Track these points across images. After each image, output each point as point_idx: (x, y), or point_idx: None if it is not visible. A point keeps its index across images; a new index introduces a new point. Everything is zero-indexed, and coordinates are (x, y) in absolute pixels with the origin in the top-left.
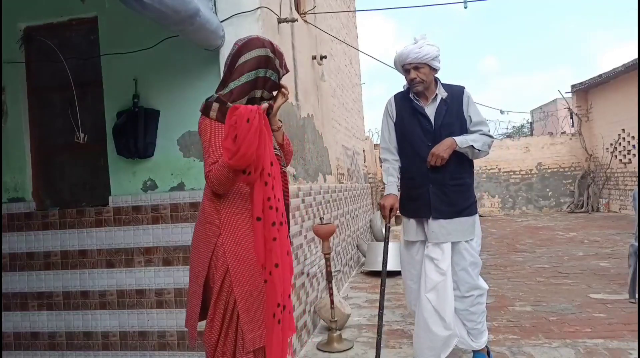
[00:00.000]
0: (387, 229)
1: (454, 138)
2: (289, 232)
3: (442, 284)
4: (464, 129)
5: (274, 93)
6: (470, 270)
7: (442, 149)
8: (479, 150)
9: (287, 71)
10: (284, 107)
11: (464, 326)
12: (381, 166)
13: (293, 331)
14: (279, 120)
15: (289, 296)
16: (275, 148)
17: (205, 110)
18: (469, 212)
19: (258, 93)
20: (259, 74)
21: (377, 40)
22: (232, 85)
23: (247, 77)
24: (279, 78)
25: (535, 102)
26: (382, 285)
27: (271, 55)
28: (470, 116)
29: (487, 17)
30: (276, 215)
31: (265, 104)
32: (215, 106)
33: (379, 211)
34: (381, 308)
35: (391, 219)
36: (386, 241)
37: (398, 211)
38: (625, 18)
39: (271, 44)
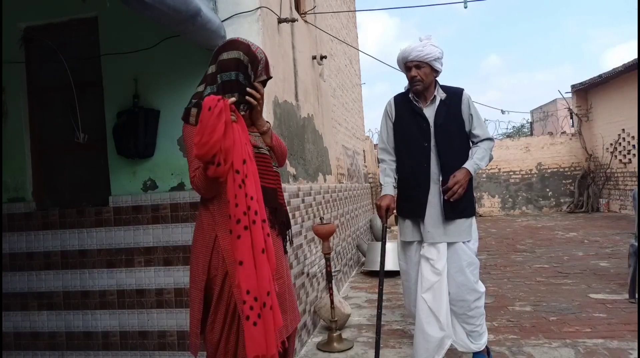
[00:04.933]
0: (384, 229)
1: (466, 168)
2: (289, 233)
3: (438, 284)
4: (461, 130)
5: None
6: (468, 271)
7: (460, 180)
8: (486, 164)
9: (269, 77)
10: (284, 107)
11: (463, 328)
12: (379, 167)
13: (279, 324)
14: (267, 122)
15: (268, 293)
16: (261, 147)
17: (186, 117)
18: (466, 214)
19: (236, 96)
20: (231, 77)
21: (379, 37)
22: (209, 89)
23: (220, 78)
24: (250, 84)
25: (536, 102)
26: (380, 284)
27: (243, 59)
28: (471, 116)
29: (491, 15)
30: (246, 213)
31: (232, 99)
32: (194, 111)
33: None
34: (380, 307)
35: (389, 219)
36: (383, 241)
37: (395, 211)
38: (629, 15)
39: (248, 47)
